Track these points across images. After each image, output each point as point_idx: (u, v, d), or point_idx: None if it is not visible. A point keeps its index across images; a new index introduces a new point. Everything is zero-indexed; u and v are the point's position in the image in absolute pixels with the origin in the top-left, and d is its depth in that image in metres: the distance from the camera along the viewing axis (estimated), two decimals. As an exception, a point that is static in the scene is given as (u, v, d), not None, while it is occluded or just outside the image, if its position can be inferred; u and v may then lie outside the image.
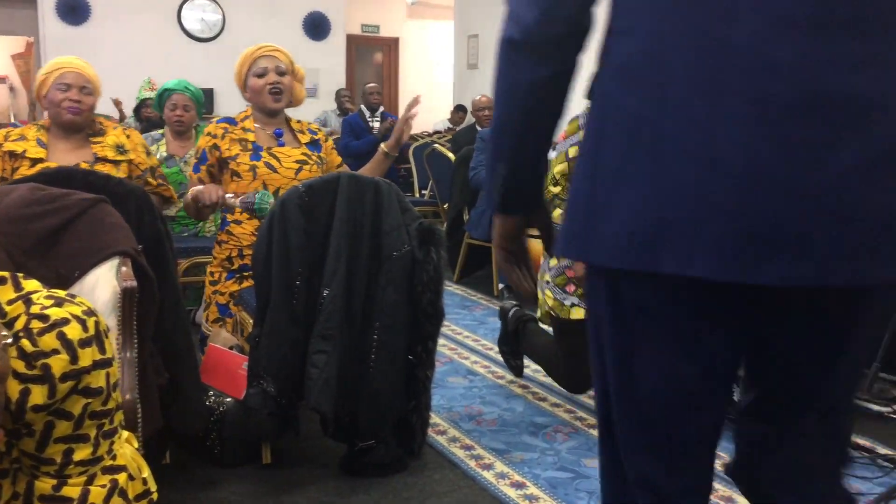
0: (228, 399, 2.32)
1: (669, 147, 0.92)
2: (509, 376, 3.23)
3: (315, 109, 8.57)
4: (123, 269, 1.72)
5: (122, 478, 1.29)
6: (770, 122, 0.88)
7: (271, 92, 2.66)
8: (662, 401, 1.04)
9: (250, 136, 2.68)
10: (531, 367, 3.32)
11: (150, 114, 4.66)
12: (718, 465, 1.22)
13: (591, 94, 1.06)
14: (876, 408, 2.83)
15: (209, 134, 2.70)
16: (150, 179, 2.83)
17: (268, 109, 2.70)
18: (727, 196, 0.90)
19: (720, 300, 0.97)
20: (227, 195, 2.53)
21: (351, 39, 10.08)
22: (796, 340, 1.03)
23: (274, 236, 2.15)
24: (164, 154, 3.76)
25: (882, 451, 2.48)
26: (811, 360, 1.03)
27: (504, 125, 1.11)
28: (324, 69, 9.13)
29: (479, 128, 6.02)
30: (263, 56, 2.69)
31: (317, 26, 9.11)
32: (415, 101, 2.66)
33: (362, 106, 6.59)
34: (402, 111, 9.23)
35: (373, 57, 10.93)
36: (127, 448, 1.35)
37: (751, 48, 0.88)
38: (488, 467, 2.38)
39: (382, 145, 2.73)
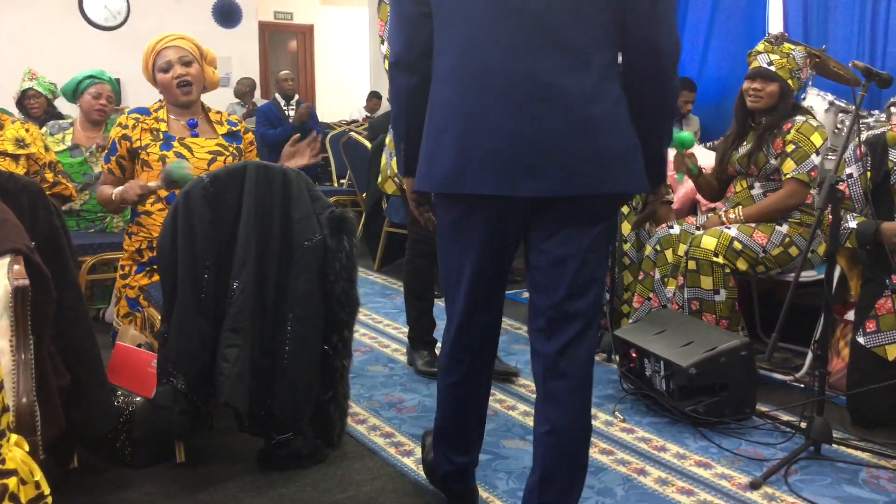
0: (138, 398, 2.25)
1: (467, 121, 1.57)
2: (429, 362, 3.23)
3: (229, 98, 8.37)
4: (15, 267, 1.64)
5: (12, 482, 1.23)
6: (517, 106, 1.54)
7: (180, 85, 2.61)
8: (476, 260, 1.70)
9: (162, 127, 2.63)
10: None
11: (36, 105, 4.45)
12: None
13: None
14: (778, 376, 2.96)
15: (120, 125, 2.65)
16: (48, 175, 2.72)
17: (180, 104, 2.66)
18: (498, 147, 1.55)
19: (499, 207, 1.64)
20: (150, 183, 2.49)
21: (263, 27, 9.86)
22: (546, 232, 1.67)
23: (178, 228, 2.08)
24: (70, 143, 3.65)
25: (784, 417, 2.59)
26: (554, 245, 1.67)
27: (398, 117, 1.78)
28: (236, 57, 8.91)
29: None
30: (166, 48, 2.62)
31: (227, 13, 8.88)
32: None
33: (276, 94, 6.48)
34: (318, 100, 9.06)
35: (287, 45, 10.72)
36: (17, 451, 1.29)
37: (502, 64, 1.55)
38: (408, 454, 2.38)
39: None
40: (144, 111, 2.68)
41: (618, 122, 1.56)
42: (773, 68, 2.93)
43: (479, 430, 1.94)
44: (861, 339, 2.53)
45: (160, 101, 2.73)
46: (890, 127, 2.55)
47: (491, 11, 1.53)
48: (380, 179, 3.04)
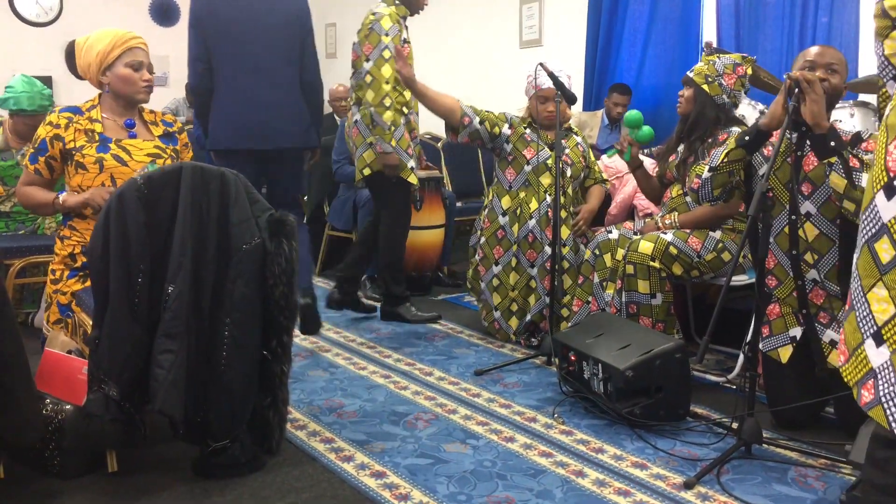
0: (68, 406, 2.18)
1: (232, 115, 3.50)
2: (371, 367, 3.22)
3: (165, 98, 8.19)
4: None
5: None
6: (255, 108, 3.48)
7: (146, 89, 2.63)
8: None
9: (97, 127, 2.54)
10: (392, 356, 3.34)
11: None
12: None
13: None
14: (711, 378, 3.03)
15: (51, 123, 2.54)
16: None
17: (136, 101, 2.63)
18: (248, 127, 3.48)
19: (251, 158, 3.53)
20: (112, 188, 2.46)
21: (203, 26, 9.67)
22: (273, 172, 3.67)
23: (111, 231, 2.03)
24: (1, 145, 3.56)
25: (716, 418, 2.66)
26: (279, 179, 3.69)
27: (200, 117, 3.65)
28: (174, 56, 8.73)
29: (336, 118, 5.94)
30: (138, 47, 2.60)
31: (165, 11, 8.68)
32: None
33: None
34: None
35: (227, 45, 10.55)
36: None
37: (248, 90, 3.48)
38: (348, 459, 2.36)
39: None
40: (76, 110, 2.59)
41: (300, 116, 3.51)
42: (691, 74, 3.06)
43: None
44: (760, 345, 2.62)
45: (93, 99, 2.64)
46: None
47: (242, 69, 3.41)
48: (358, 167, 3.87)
